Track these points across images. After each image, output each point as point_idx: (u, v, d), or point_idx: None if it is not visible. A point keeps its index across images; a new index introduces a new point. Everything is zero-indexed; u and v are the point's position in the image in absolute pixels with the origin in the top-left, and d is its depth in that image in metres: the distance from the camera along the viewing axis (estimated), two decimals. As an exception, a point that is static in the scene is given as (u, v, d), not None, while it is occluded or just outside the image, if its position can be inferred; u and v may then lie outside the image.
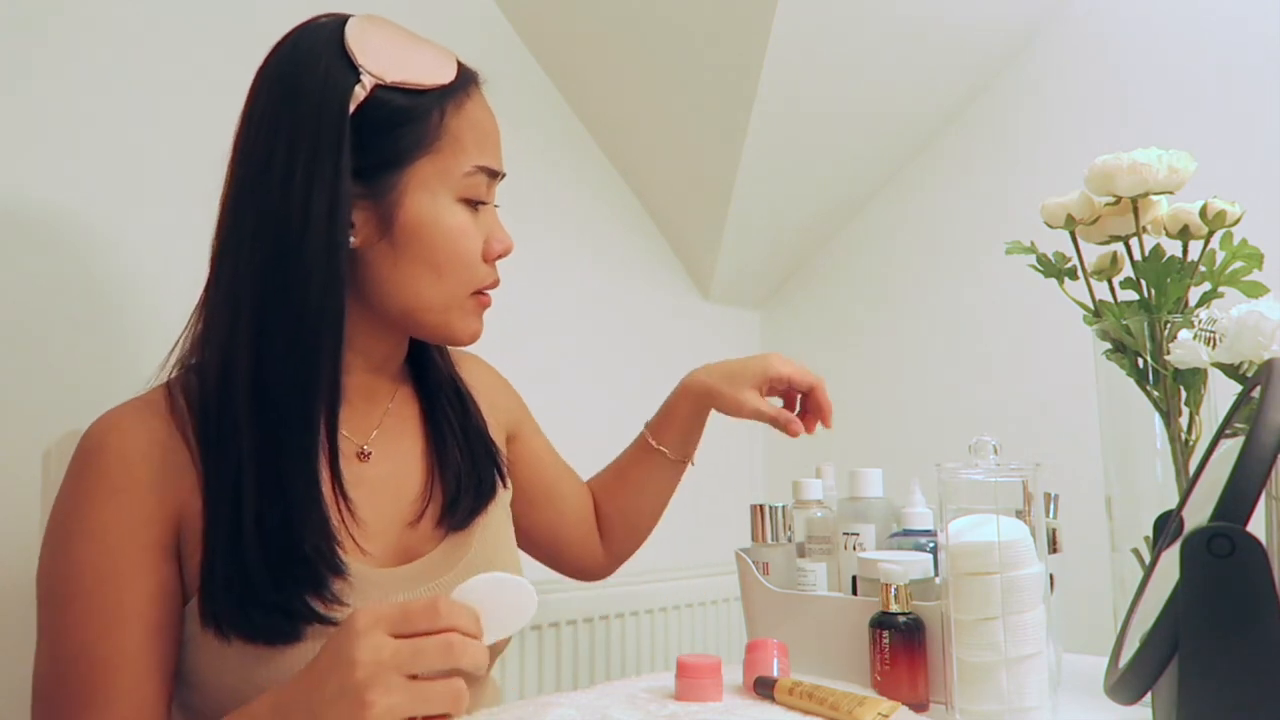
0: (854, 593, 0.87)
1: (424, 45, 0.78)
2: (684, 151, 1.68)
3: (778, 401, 1.02)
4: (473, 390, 0.91)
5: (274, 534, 0.70)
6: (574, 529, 1.04)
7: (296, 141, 0.72)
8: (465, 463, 0.85)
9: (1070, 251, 0.93)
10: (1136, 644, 0.57)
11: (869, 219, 1.89)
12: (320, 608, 0.70)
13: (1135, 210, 0.88)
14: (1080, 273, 0.93)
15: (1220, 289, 0.87)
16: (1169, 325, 0.84)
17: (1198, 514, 0.60)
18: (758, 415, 0.98)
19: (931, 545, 0.87)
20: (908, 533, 0.91)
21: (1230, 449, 0.60)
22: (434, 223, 0.76)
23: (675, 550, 1.63)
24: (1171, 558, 0.56)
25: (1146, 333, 0.85)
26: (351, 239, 0.74)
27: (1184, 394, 0.84)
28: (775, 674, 0.76)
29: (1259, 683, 0.51)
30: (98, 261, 1.08)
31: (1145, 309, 0.87)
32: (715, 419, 1.02)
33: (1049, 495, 0.91)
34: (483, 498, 0.84)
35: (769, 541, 0.95)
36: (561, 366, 1.62)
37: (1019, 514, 0.72)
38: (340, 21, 0.76)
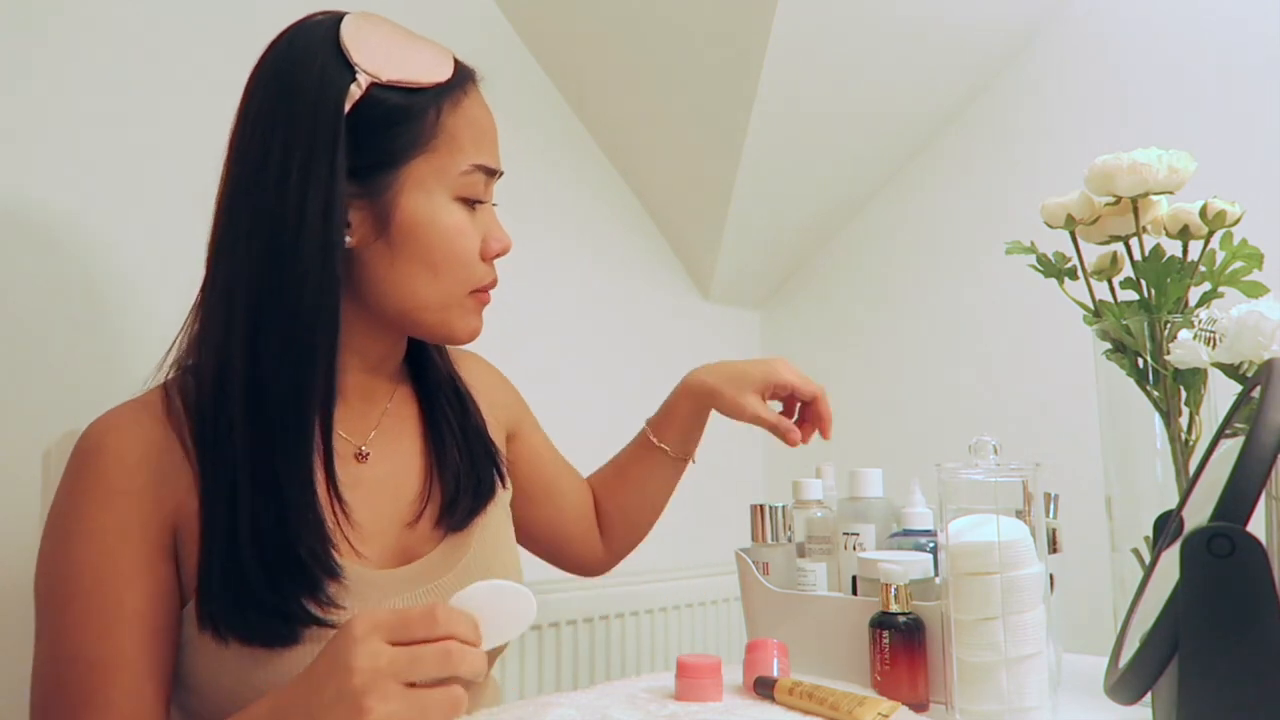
0: (854, 593, 0.87)
1: (420, 43, 0.78)
2: (684, 151, 1.68)
3: (777, 407, 1.02)
4: (472, 389, 0.91)
5: (269, 536, 0.69)
6: (574, 525, 1.04)
7: (292, 141, 0.72)
8: (464, 463, 0.85)
9: (1070, 251, 0.93)
10: (1136, 644, 0.57)
11: (869, 219, 1.89)
12: (316, 610, 0.70)
13: (1135, 210, 0.88)
14: (1080, 273, 0.93)
15: (1220, 289, 0.87)
16: (1169, 325, 0.84)
17: (1198, 514, 0.60)
18: (757, 420, 0.98)
19: (931, 545, 0.87)
20: (908, 533, 0.91)
21: (1230, 449, 0.60)
22: (430, 222, 0.76)
23: (675, 550, 1.63)
24: (1171, 558, 0.56)
25: (1146, 333, 0.85)
26: (347, 239, 0.74)
27: (1184, 394, 0.84)
28: (775, 674, 0.76)
29: (1259, 683, 0.51)
30: (97, 261, 1.08)
31: (1145, 309, 0.87)
32: (717, 418, 1.03)
33: (1049, 495, 0.91)
34: (482, 498, 0.84)
35: (769, 541, 0.95)
36: (561, 366, 1.62)
37: (1019, 514, 0.72)
38: (336, 19, 0.75)
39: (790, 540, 0.96)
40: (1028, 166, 1.65)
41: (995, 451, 0.73)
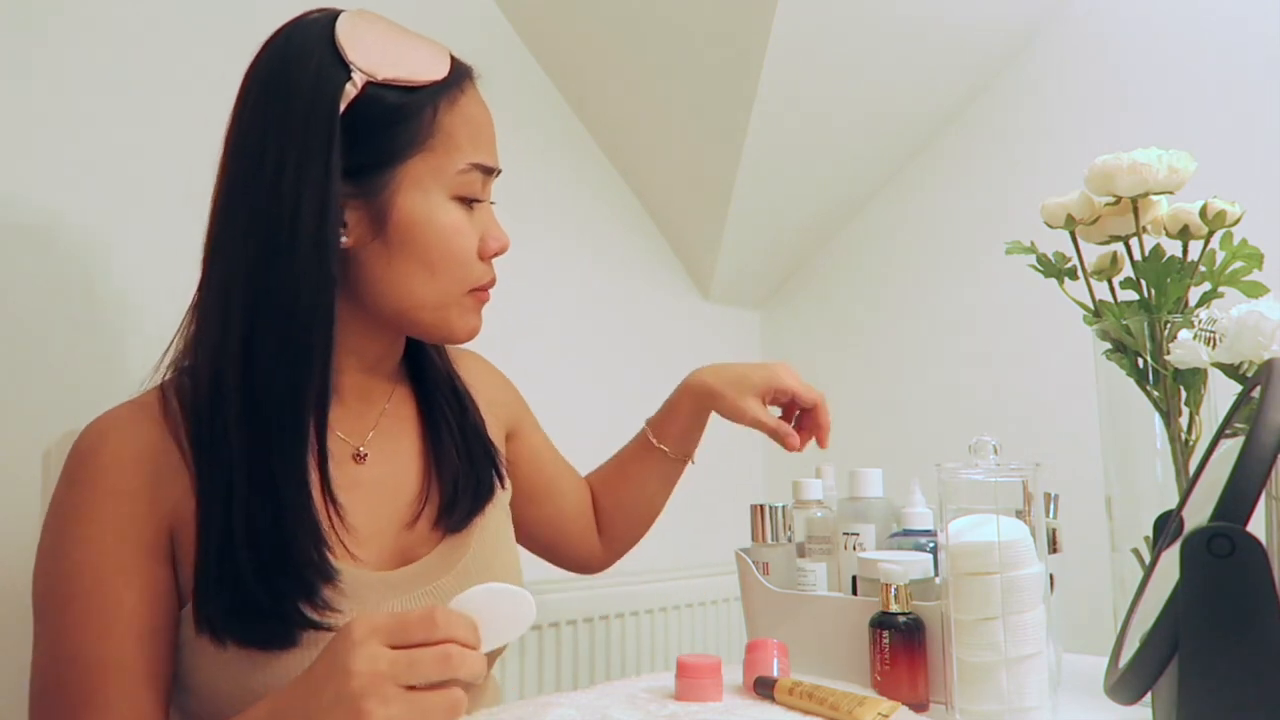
0: (854, 593, 0.87)
1: (416, 41, 0.77)
2: (684, 151, 1.68)
3: (777, 412, 1.02)
4: (471, 388, 0.91)
5: (264, 538, 0.69)
6: (572, 524, 1.04)
7: (287, 140, 0.72)
8: (463, 463, 0.84)
9: (1070, 251, 0.93)
10: (1136, 644, 0.57)
11: (869, 219, 1.89)
12: (312, 614, 0.70)
13: (1135, 210, 0.88)
14: (1080, 273, 0.93)
15: (1220, 289, 0.87)
16: (1169, 325, 0.84)
17: (1198, 514, 0.60)
18: (756, 424, 0.98)
19: (931, 545, 0.87)
20: (908, 533, 0.91)
21: (1230, 449, 0.60)
22: (427, 222, 0.75)
23: (675, 550, 1.63)
24: (1171, 558, 0.56)
25: (1146, 333, 0.85)
26: (344, 239, 0.74)
27: (1184, 394, 0.84)
28: (775, 674, 0.76)
29: (1259, 683, 0.51)
30: (97, 262, 1.08)
31: (1145, 309, 0.87)
32: (717, 418, 1.02)
33: (1049, 495, 0.91)
34: (480, 499, 0.84)
35: (769, 541, 0.95)
36: (561, 366, 1.62)
37: (1019, 514, 0.72)
38: (332, 17, 0.75)
39: (790, 540, 0.96)
40: (1028, 166, 1.65)
41: (995, 451, 0.73)
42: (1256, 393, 0.60)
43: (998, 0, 1.57)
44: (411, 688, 0.57)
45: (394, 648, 0.58)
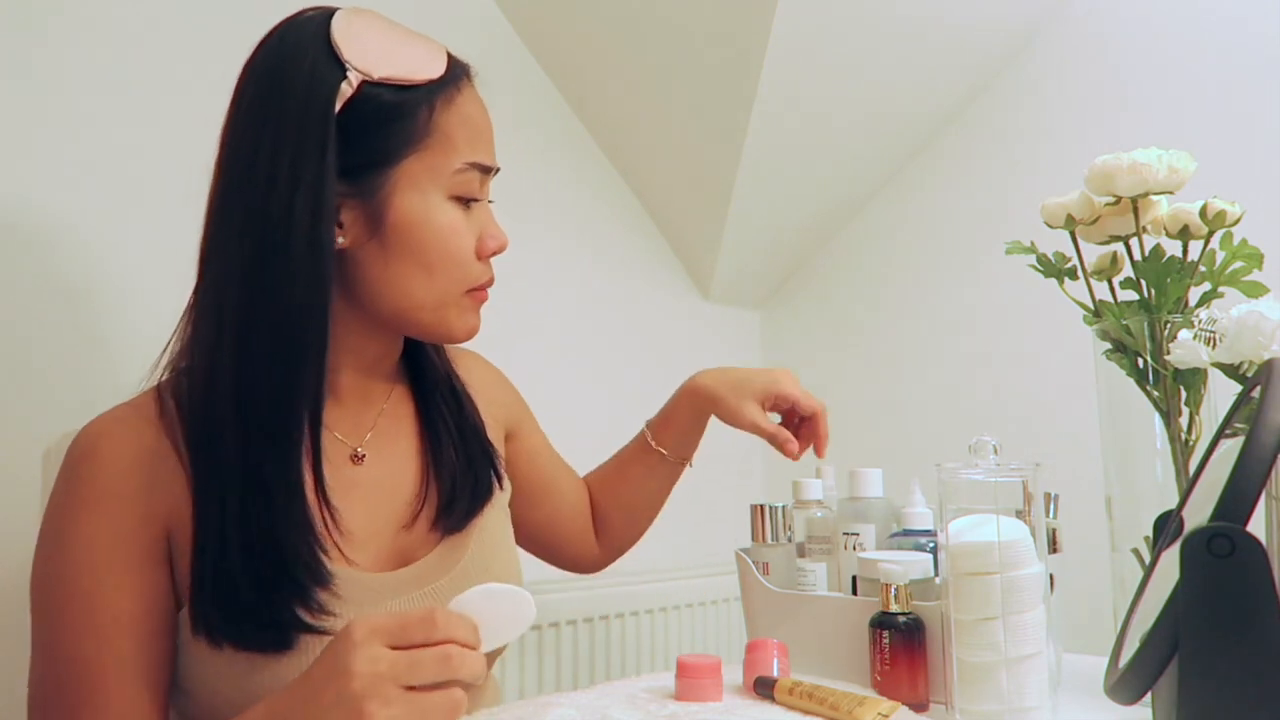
0: (854, 593, 0.87)
1: (413, 39, 0.77)
2: (684, 151, 1.68)
3: (777, 418, 1.01)
4: (471, 388, 0.90)
5: (257, 541, 0.69)
6: (570, 525, 1.04)
7: (281, 140, 0.71)
8: (461, 463, 0.84)
9: (1070, 251, 0.93)
10: (1136, 644, 0.57)
11: (869, 219, 1.89)
12: (307, 617, 0.69)
13: (1135, 210, 0.88)
14: (1080, 273, 0.93)
15: (1220, 289, 0.87)
16: (1169, 325, 0.84)
17: (1198, 514, 0.60)
18: (756, 429, 0.97)
19: (931, 545, 0.87)
20: (908, 533, 0.91)
21: (1230, 449, 0.60)
22: (424, 222, 0.75)
23: (675, 550, 1.63)
24: (1171, 558, 0.56)
25: (1146, 333, 0.85)
26: (340, 239, 0.73)
27: (1184, 394, 0.84)
28: (775, 674, 0.76)
29: (1259, 683, 0.51)
30: (98, 261, 1.08)
31: (1145, 309, 0.87)
32: (717, 420, 1.02)
33: (1049, 495, 0.91)
34: (479, 499, 0.83)
35: (769, 541, 0.95)
36: (561, 366, 1.62)
37: (1019, 514, 0.72)
38: (327, 15, 0.74)
39: (790, 540, 0.96)
40: (1028, 166, 1.65)
41: (995, 451, 0.73)
42: (1256, 393, 0.60)
43: (998, 0, 1.57)
44: (412, 688, 0.57)
45: (394, 648, 0.57)
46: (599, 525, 1.07)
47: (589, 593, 1.49)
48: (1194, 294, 0.87)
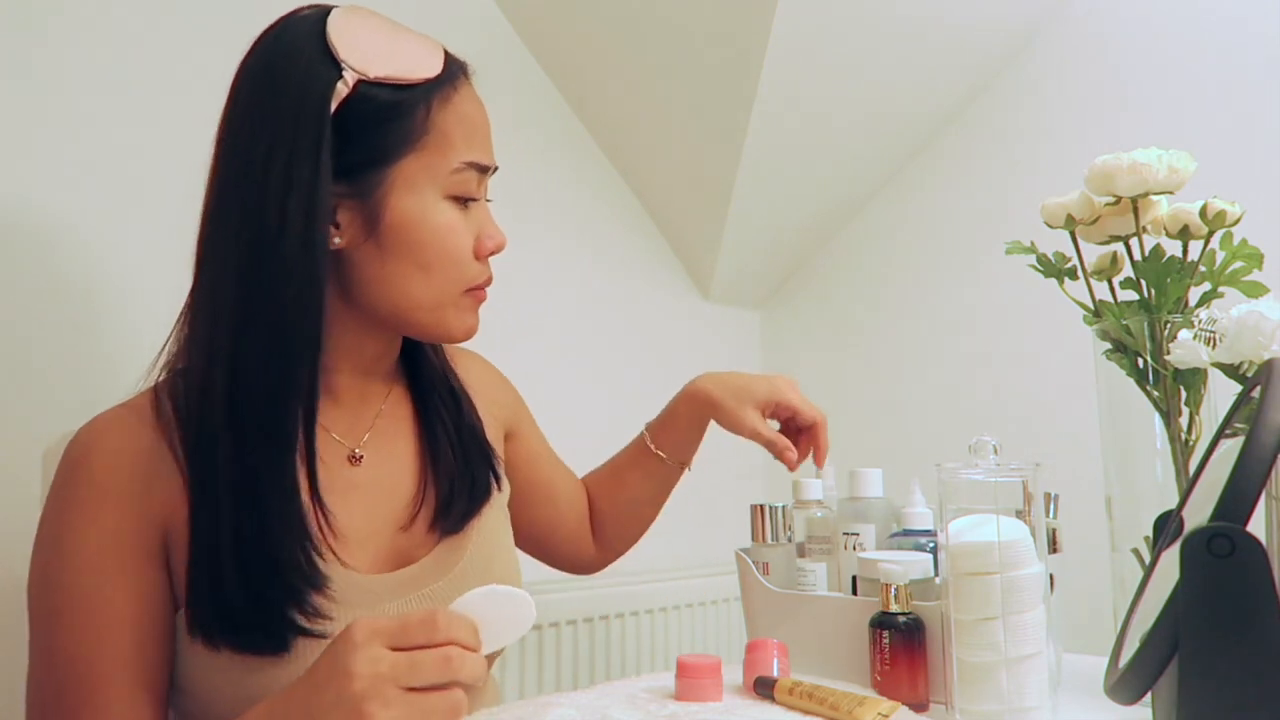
0: (854, 593, 0.87)
1: (409, 37, 0.76)
2: (684, 151, 1.68)
3: (777, 425, 1.01)
4: (469, 388, 0.90)
5: (251, 544, 0.68)
6: (568, 526, 1.04)
7: (276, 139, 0.70)
8: (459, 464, 0.83)
9: (1070, 251, 0.93)
10: (1136, 644, 0.57)
11: (869, 219, 1.89)
12: (302, 620, 0.69)
13: (1135, 210, 0.88)
14: (1080, 273, 0.93)
15: (1220, 289, 0.87)
16: (1169, 325, 0.84)
17: (1198, 514, 0.60)
18: (755, 436, 0.96)
19: (931, 545, 0.87)
20: (908, 533, 0.91)
21: (1230, 449, 0.60)
22: (421, 222, 0.74)
23: (675, 550, 1.63)
24: (1171, 558, 0.56)
25: (1146, 333, 0.85)
26: (337, 239, 0.73)
27: (1184, 394, 0.84)
28: (775, 674, 0.76)
29: (1259, 683, 0.51)
30: (97, 262, 1.08)
31: (1145, 309, 0.87)
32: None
33: (1049, 495, 0.91)
34: (477, 500, 0.83)
35: (769, 541, 0.95)
36: (561, 366, 1.62)
37: (1019, 514, 0.72)
38: (323, 13, 0.73)
39: (790, 540, 0.96)
40: (1028, 166, 1.65)
41: (995, 451, 0.73)
42: (1256, 393, 0.60)
43: (998, 0, 1.57)
44: (412, 690, 0.57)
45: (395, 650, 0.57)
46: (596, 527, 1.07)
47: (589, 593, 1.48)
48: (1194, 294, 0.87)
